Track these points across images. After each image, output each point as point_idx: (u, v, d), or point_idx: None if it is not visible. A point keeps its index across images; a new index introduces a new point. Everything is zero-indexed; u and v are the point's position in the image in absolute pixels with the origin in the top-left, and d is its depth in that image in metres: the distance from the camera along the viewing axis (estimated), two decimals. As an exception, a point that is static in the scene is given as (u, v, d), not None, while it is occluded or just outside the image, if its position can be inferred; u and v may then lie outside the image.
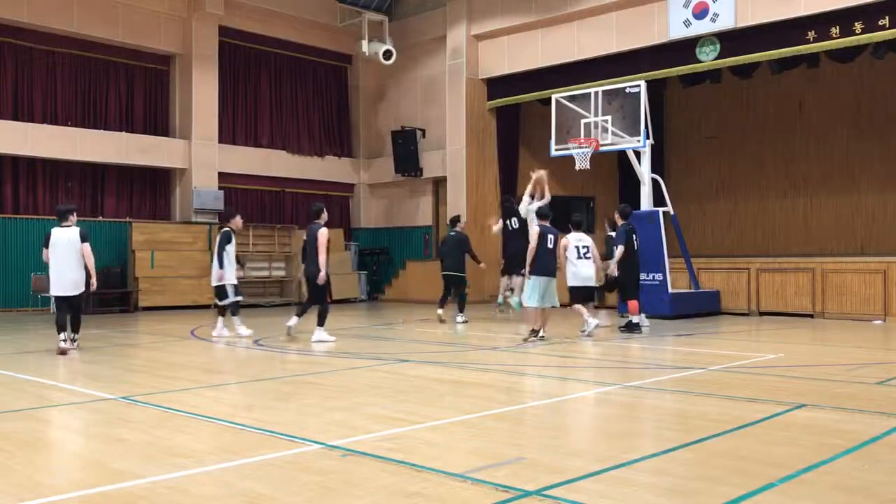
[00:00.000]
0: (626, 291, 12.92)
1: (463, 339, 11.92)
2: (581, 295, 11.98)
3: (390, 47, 21.37)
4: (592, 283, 12.06)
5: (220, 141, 20.81)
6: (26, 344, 11.80)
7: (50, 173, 18.79)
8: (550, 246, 10.90)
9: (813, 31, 15.64)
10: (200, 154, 20.30)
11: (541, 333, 11.15)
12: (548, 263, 10.95)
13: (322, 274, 11.01)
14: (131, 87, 20.10)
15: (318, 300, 11.36)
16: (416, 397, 6.88)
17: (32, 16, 18.04)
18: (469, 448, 5.02)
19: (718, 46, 16.77)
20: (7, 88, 18.10)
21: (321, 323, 11.18)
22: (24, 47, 18.33)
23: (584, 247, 11.84)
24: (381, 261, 23.23)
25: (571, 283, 11.92)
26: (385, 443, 5.09)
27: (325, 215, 11.59)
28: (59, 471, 4.54)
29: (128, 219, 19.49)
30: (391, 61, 21.45)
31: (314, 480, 4.29)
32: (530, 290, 10.99)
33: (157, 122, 20.53)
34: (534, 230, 11.22)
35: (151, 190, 20.51)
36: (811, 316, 15.32)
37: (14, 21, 17.90)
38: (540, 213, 11.55)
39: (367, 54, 21.65)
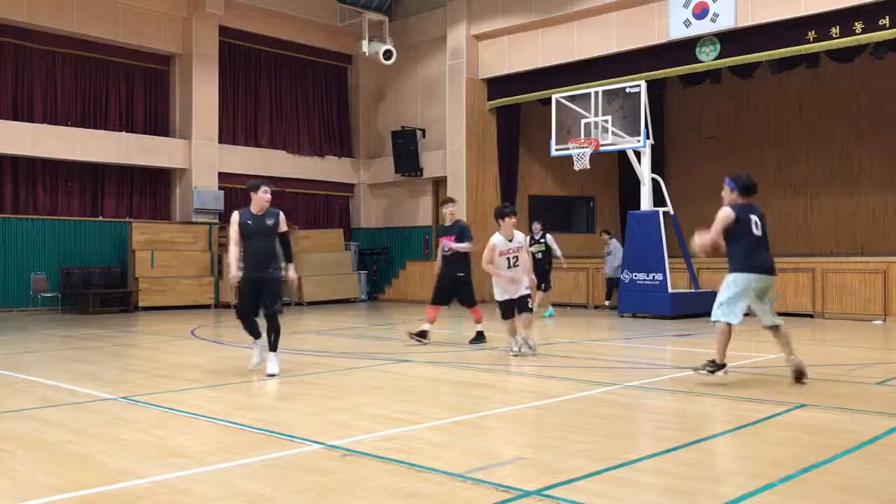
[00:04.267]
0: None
1: (462, 340, 11.91)
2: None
3: (390, 47, 21.37)
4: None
5: (220, 141, 20.81)
6: (26, 344, 11.80)
7: (50, 173, 18.79)
8: (758, 232, 7.29)
9: (813, 31, 15.64)
10: (200, 154, 20.29)
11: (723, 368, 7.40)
12: (757, 257, 7.30)
13: (232, 272, 8.15)
14: (131, 87, 20.10)
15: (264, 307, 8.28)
16: (416, 397, 6.88)
17: (32, 16, 18.03)
18: (469, 448, 5.02)
19: (718, 46, 16.77)
20: (7, 88, 18.10)
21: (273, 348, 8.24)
22: (24, 47, 18.32)
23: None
24: (381, 261, 23.23)
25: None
26: (385, 443, 5.09)
27: (255, 194, 8.29)
28: (59, 471, 4.54)
29: (128, 219, 19.50)
30: (391, 61, 21.45)
31: (314, 480, 4.29)
32: (727, 295, 7.39)
33: (157, 122, 20.53)
34: (722, 212, 7.30)
35: (151, 190, 20.51)
36: (811, 316, 15.32)
37: (14, 21, 17.90)
38: (742, 185, 7.35)
39: (367, 54, 21.65)
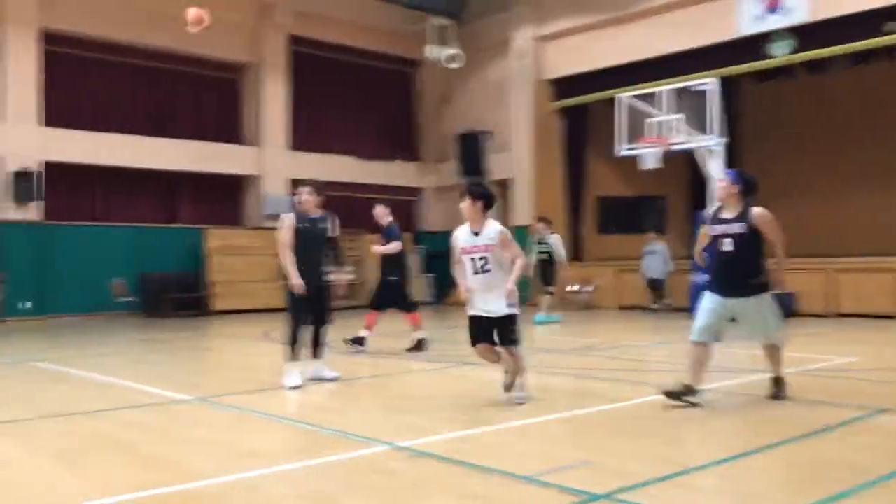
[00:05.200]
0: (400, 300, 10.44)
1: (538, 344, 11.85)
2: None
3: (457, 51, 21.44)
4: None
5: (290, 147, 21.23)
6: (106, 347, 12.21)
7: (126, 182, 19.42)
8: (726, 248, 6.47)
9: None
10: (271, 161, 20.74)
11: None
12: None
13: (293, 281, 7.55)
14: (203, 96, 20.66)
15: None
16: (481, 400, 6.88)
17: (106, 29, 18.68)
18: (535, 451, 5.00)
19: (792, 41, 16.33)
20: (86, 100, 18.79)
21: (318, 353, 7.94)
22: (100, 59, 19.01)
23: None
24: (446, 264, 23.28)
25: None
26: (452, 445, 5.11)
27: (300, 197, 7.77)
28: (135, 470, 4.68)
29: (202, 225, 20.00)
30: (458, 65, 21.51)
31: (383, 481, 4.33)
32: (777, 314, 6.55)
33: (228, 129, 21.04)
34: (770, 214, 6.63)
35: (224, 197, 21.04)
36: (894, 318, 14.76)
37: (89, 35, 18.58)
38: (748, 181, 6.66)
39: (433, 59, 21.77)
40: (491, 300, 6.38)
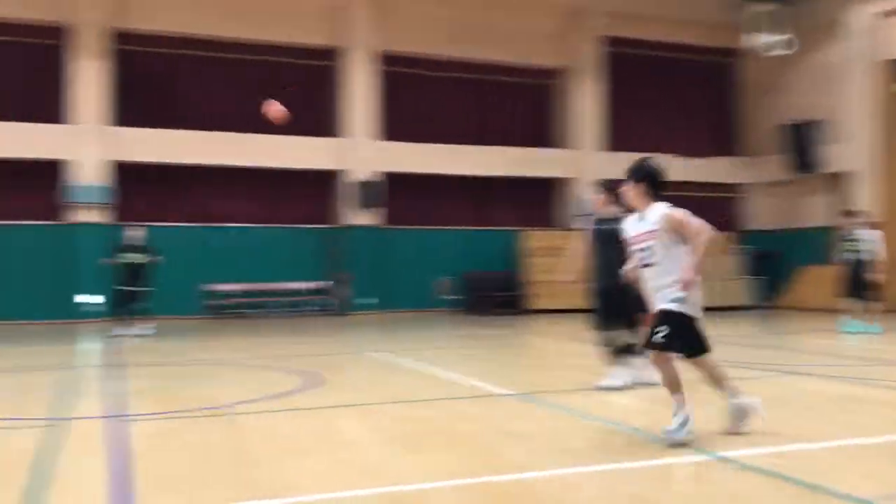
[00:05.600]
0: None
1: (868, 355, 10.71)
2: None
3: (787, 37, 20.01)
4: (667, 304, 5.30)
5: (603, 148, 21.29)
6: (430, 341, 13.17)
7: (448, 188, 20.72)
8: None
9: None
10: (583, 162, 20.96)
11: None
12: None
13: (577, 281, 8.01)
14: (517, 104, 21.43)
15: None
16: (807, 413, 6.37)
17: (434, 47, 20.20)
18: (874, 472, 4.53)
19: None
20: (415, 114, 20.37)
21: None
22: (426, 76, 20.56)
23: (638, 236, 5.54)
24: (773, 265, 21.78)
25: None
26: (778, 459, 4.79)
27: (592, 198, 7.96)
28: (456, 457, 4.98)
29: (516, 227, 20.77)
30: (788, 51, 20.06)
31: (699, 491, 4.21)
32: None
33: (541, 134, 21.64)
34: None
35: (538, 199, 21.71)
36: None
37: (418, 53, 20.22)
38: None
39: (758, 46, 20.50)
40: (661, 299, 5.30)
